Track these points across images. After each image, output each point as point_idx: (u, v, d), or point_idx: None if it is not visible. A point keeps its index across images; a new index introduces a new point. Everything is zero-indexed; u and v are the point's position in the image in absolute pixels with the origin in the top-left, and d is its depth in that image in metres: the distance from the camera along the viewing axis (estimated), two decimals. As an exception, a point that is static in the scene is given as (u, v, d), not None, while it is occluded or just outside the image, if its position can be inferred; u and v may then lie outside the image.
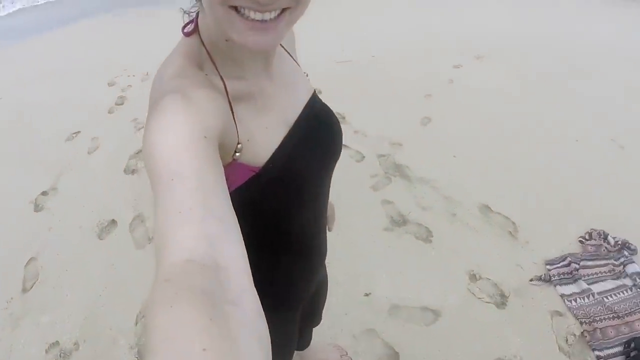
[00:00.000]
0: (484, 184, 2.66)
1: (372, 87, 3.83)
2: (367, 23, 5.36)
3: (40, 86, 4.69)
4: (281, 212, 0.77)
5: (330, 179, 0.92)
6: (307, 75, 0.87)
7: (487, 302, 1.99)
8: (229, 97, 0.65)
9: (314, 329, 1.49)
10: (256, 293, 0.39)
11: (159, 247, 0.39)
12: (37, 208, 2.83)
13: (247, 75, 0.69)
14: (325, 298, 1.31)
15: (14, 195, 2.98)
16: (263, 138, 0.70)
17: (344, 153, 2.93)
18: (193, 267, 0.36)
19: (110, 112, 3.94)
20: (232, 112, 0.65)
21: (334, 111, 0.89)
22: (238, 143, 0.66)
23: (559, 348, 1.76)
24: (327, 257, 1.07)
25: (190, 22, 0.68)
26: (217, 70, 0.65)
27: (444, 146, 3.04)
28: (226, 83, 0.65)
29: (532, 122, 3.28)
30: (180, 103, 0.55)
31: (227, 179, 0.53)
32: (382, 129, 3.24)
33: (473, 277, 2.10)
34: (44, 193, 2.95)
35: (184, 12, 0.70)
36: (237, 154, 0.66)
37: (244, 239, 0.44)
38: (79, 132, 3.64)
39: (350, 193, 2.62)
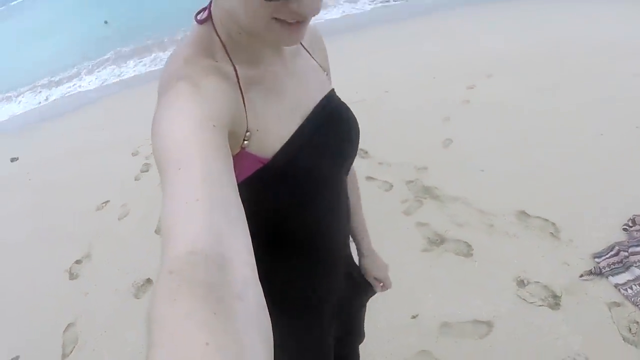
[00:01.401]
0: (517, 192, 2.63)
1: (389, 120, 3.92)
2: (375, 62, 5.53)
3: (67, 164, 4.95)
4: (289, 207, 0.74)
5: (345, 179, 0.90)
6: (326, 74, 0.87)
7: (539, 305, 1.92)
8: (240, 83, 0.65)
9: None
10: (260, 287, 0.38)
11: (165, 237, 0.39)
12: (72, 276, 2.95)
13: (260, 61, 0.68)
14: (363, 308, 1.28)
15: (49, 266, 3.12)
16: (274, 128, 0.70)
17: (371, 185, 3.02)
18: (197, 260, 0.35)
19: (136, 179, 4.08)
20: (243, 99, 0.64)
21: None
22: (247, 131, 0.65)
23: (623, 339, 1.67)
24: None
25: (204, 9, 0.67)
26: (229, 57, 0.65)
27: (470, 162, 3.04)
28: (238, 69, 0.65)
29: (552, 124, 3.26)
30: (188, 91, 0.55)
31: (235, 169, 0.52)
32: (406, 157, 3.28)
33: (521, 283, 2.05)
34: (77, 261, 3.07)
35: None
36: (246, 142, 0.65)
37: (250, 233, 0.44)
38: (108, 201, 3.80)
39: (384, 221, 2.64)
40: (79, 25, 17.84)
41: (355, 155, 0.88)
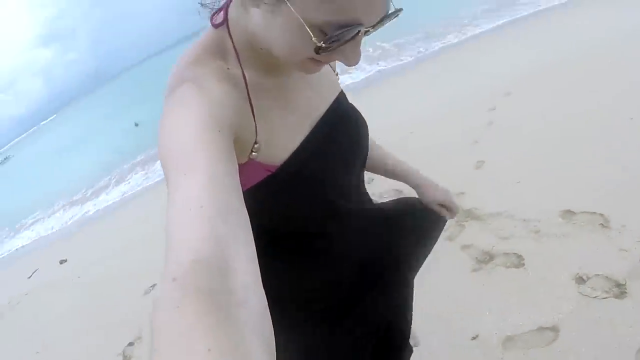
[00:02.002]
0: (557, 193, 2.54)
1: (418, 157, 3.91)
2: (394, 107, 5.65)
3: (114, 258, 5.09)
4: (296, 214, 0.73)
5: (358, 181, 0.89)
6: (337, 74, 0.86)
7: (604, 297, 1.79)
8: (249, 90, 0.63)
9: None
10: (263, 293, 0.38)
11: (169, 243, 0.39)
12: (126, 358, 2.99)
13: (271, 69, 0.67)
14: (403, 315, 1.12)
15: (102, 351, 3.19)
16: (283, 137, 0.68)
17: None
18: (200, 267, 0.35)
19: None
20: (252, 108, 0.63)
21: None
22: (255, 143, 0.64)
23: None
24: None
25: (219, 10, 0.65)
26: (240, 63, 0.63)
27: (505, 177, 2.98)
28: (248, 76, 0.64)
29: (579, 123, 3.19)
30: (195, 94, 0.54)
31: (241, 177, 0.51)
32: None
33: (580, 280, 1.93)
34: (130, 344, 3.12)
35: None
36: (254, 154, 0.64)
37: (256, 239, 0.44)
38: (155, 284, 3.86)
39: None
40: (112, 130, 19.19)
41: (366, 156, 0.86)
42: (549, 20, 6.47)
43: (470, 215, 2.77)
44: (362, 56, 0.57)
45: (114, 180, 9.95)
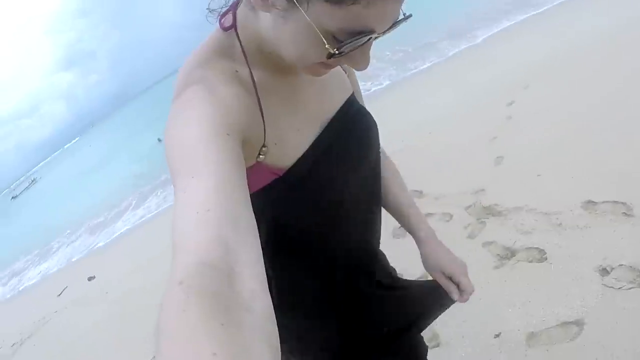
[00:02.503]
0: (577, 185, 2.48)
1: (438, 157, 3.92)
2: (412, 108, 5.64)
3: (142, 274, 5.09)
4: (304, 218, 0.72)
5: (370, 186, 0.86)
6: (346, 74, 0.84)
7: (630, 288, 1.75)
8: (258, 92, 0.63)
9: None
10: (269, 298, 0.38)
11: (175, 246, 0.39)
12: None
13: (280, 70, 0.66)
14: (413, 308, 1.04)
15: None
16: (292, 140, 0.67)
17: (431, 220, 3.01)
18: (206, 271, 0.35)
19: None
20: (261, 110, 0.63)
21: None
22: (264, 146, 0.63)
23: None
24: (444, 315, 1.03)
25: (227, 12, 0.64)
26: (248, 64, 0.63)
27: (525, 172, 2.93)
28: (256, 77, 0.63)
29: (597, 113, 3.13)
30: (203, 97, 0.54)
31: (248, 180, 0.51)
32: (461, 185, 3.23)
33: (604, 271, 1.88)
34: (154, 358, 3.18)
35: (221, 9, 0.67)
36: (262, 157, 0.64)
37: (263, 242, 0.44)
38: None
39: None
40: (136, 147, 19.66)
41: (378, 159, 0.85)
42: (565, 12, 6.34)
43: (491, 211, 2.74)
44: (381, 61, 0.57)
45: (139, 197, 10.17)
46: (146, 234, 7.07)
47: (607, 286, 1.81)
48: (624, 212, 2.09)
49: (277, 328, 0.36)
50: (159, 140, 16.90)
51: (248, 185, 0.50)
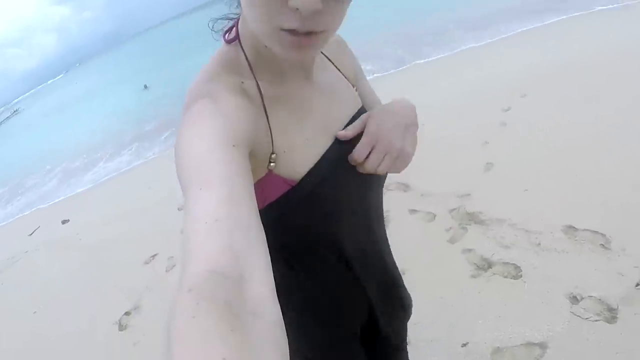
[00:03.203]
0: (562, 207, 2.56)
1: (428, 152, 3.92)
2: (409, 96, 5.61)
3: (115, 223, 5.11)
4: (317, 227, 0.72)
5: (379, 199, 0.87)
6: (354, 89, 0.84)
7: (595, 320, 1.84)
8: (264, 102, 0.64)
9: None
10: (278, 305, 0.39)
11: (185, 255, 0.40)
12: (122, 327, 3.04)
13: (286, 79, 0.68)
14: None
15: (99, 319, 3.22)
16: (303, 149, 0.68)
17: (414, 217, 3.05)
18: (216, 278, 0.36)
19: (182, 232, 4.17)
20: (267, 119, 0.64)
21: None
22: (272, 153, 0.64)
23: (687, 347, 1.56)
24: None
25: (231, 29, 0.67)
26: (253, 75, 0.65)
27: (512, 184, 3.00)
28: (263, 88, 0.64)
29: (591, 135, 3.18)
30: (210, 109, 0.56)
31: (261, 192, 0.54)
32: (447, 186, 3.28)
33: (574, 299, 1.97)
34: (127, 313, 3.15)
35: (225, 18, 0.70)
36: (272, 164, 0.64)
37: (274, 254, 0.45)
38: (156, 254, 3.88)
39: (428, 252, 2.64)
40: (122, 91, 19.27)
41: (386, 176, 0.83)
42: (575, 26, 6.32)
43: (474, 219, 2.80)
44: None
45: (122, 144, 9.94)
46: (122, 185, 6.96)
47: (575, 314, 1.90)
48: (602, 244, 2.17)
49: (286, 334, 0.37)
50: (145, 87, 16.59)
51: (263, 196, 0.55)
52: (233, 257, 0.39)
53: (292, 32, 0.53)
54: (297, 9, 0.50)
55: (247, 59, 0.65)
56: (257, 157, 0.61)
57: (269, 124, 0.64)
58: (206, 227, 0.41)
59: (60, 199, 7.63)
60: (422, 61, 7.39)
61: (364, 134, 0.72)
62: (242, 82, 0.64)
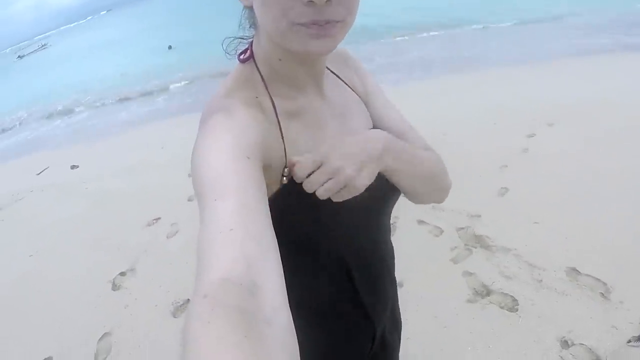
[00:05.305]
0: (569, 248, 2.58)
1: (445, 164, 3.96)
2: (434, 105, 5.58)
3: (124, 177, 5.09)
4: (317, 239, 0.72)
5: (388, 215, 0.87)
6: (364, 104, 0.85)
7: (582, 369, 1.89)
8: (279, 117, 0.66)
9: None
10: (290, 313, 0.41)
11: (200, 263, 0.42)
12: (115, 287, 3.04)
13: (300, 95, 0.70)
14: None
15: (94, 275, 3.23)
16: None
17: (421, 229, 3.09)
18: (230, 286, 0.38)
19: (189, 199, 4.03)
20: (282, 133, 0.65)
21: None
22: (285, 167, 0.65)
23: (667, 413, 1.61)
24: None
25: (245, 51, 0.70)
26: (267, 91, 0.67)
27: (524, 214, 3.02)
28: (276, 103, 0.66)
29: (613, 179, 3.18)
30: (224, 123, 0.58)
31: (279, 205, 0.56)
32: (459, 203, 3.31)
33: (565, 344, 2.02)
34: (122, 273, 3.16)
35: (239, 38, 0.73)
36: (285, 178, 0.65)
37: (282, 258, 0.47)
38: (159, 218, 3.87)
39: (430, 267, 2.68)
40: (147, 47, 19.32)
41: (399, 193, 0.82)
42: (617, 61, 6.22)
43: (481, 242, 2.84)
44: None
45: (142, 99, 10.06)
46: (136, 140, 6.91)
47: (563, 359, 1.95)
48: (602, 293, 2.21)
49: (297, 340, 0.40)
50: (170, 47, 16.75)
51: (282, 209, 0.56)
52: (246, 265, 0.40)
53: (308, 24, 0.55)
54: (311, 1, 0.53)
55: (261, 75, 0.68)
56: (271, 171, 0.63)
57: (282, 138, 0.66)
58: (221, 237, 0.43)
59: (73, 142, 7.66)
60: (448, 73, 7.34)
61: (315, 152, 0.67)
62: (257, 97, 0.66)
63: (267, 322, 0.37)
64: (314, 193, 0.63)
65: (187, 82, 10.54)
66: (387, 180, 0.75)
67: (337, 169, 0.62)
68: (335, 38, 0.59)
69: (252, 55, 0.69)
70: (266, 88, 0.67)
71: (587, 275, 2.34)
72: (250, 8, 0.64)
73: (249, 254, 0.42)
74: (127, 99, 10.44)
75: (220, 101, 0.64)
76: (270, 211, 0.52)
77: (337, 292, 0.83)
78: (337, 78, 0.82)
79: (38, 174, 5.93)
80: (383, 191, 0.77)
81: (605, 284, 2.26)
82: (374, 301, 0.87)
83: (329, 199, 0.63)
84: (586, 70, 6.03)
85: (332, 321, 0.86)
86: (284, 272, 0.45)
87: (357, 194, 0.64)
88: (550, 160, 3.62)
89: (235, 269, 0.40)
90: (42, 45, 54.40)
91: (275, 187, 0.65)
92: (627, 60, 6.32)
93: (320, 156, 0.64)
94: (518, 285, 2.42)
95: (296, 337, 0.40)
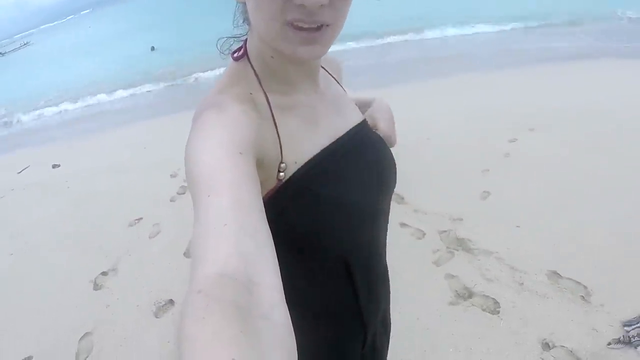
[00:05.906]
0: (551, 251, 2.60)
1: (429, 168, 3.97)
2: (418, 109, 5.57)
3: (106, 177, 5.07)
4: (316, 232, 0.69)
5: (385, 215, 0.85)
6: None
7: (563, 371, 1.89)
8: (273, 112, 0.65)
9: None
10: (287, 308, 0.40)
11: (194, 259, 0.41)
12: (96, 287, 3.02)
13: (293, 89, 0.70)
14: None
15: (75, 274, 3.21)
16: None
17: (404, 232, 3.07)
18: (225, 281, 0.37)
19: (172, 200, 4.09)
20: (277, 129, 0.65)
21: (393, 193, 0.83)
22: (282, 162, 0.64)
23: (647, 415, 1.61)
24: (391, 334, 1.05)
25: (239, 49, 0.71)
26: (261, 86, 0.67)
27: (506, 217, 3.03)
28: (270, 98, 0.66)
29: (594, 184, 3.21)
30: (216, 118, 0.57)
31: (274, 200, 0.58)
32: (442, 206, 3.31)
33: (546, 346, 2.02)
34: (103, 273, 3.15)
35: (232, 37, 0.74)
36: (282, 174, 0.64)
37: (279, 255, 0.46)
38: (141, 218, 3.86)
39: (412, 270, 2.67)
40: (130, 48, 19.16)
41: (393, 190, 0.84)
42: (602, 69, 6.34)
43: (463, 245, 2.84)
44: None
45: (125, 97, 10.00)
46: (119, 140, 6.87)
47: (544, 361, 1.95)
48: (582, 296, 2.22)
49: (294, 337, 0.39)
50: (153, 48, 16.81)
51: (279, 209, 0.58)
52: (242, 260, 0.40)
53: (300, 28, 0.56)
54: (302, 4, 0.53)
55: (255, 72, 0.68)
56: (266, 167, 0.62)
57: (277, 134, 0.65)
58: (215, 232, 0.42)
59: (54, 141, 7.54)
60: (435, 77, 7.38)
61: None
62: (251, 93, 0.66)
63: (264, 317, 0.37)
64: (312, 193, 0.66)
65: (169, 83, 10.47)
66: (378, 179, 0.78)
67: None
68: (326, 43, 0.60)
69: (245, 52, 0.69)
70: (260, 84, 0.67)
71: (568, 278, 2.36)
72: (243, 3, 0.64)
73: (243, 249, 0.41)
74: (109, 99, 10.34)
75: (214, 97, 0.64)
76: (267, 212, 0.52)
77: (334, 293, 0.82)
78: (330, 76, 0.84)
79: (19, 172, 5.88)
80: (378, 190, 0.79)
81: (585, 287, 2.27)
82: (370, 302, 0.87)
83: (327, 198, 0.67)
84: (568, 76, 6.13)
85: (325, 322, 0.85)
86: (281, 272, 0.44)
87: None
88: (532, 164, 3.65)
89: (230, 264, 0.39)
90: (25, 43, 54.04)
91: (271, 184, 0.64)
92: (609, 66, 6.44)
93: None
94: (500, 288, 2.42)
95: (293, 333, 0.39)
